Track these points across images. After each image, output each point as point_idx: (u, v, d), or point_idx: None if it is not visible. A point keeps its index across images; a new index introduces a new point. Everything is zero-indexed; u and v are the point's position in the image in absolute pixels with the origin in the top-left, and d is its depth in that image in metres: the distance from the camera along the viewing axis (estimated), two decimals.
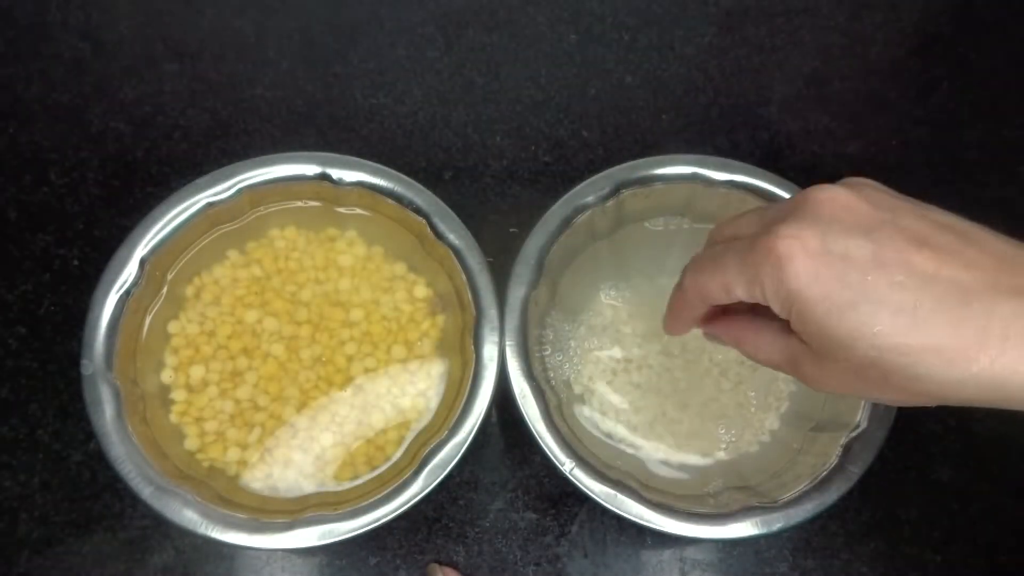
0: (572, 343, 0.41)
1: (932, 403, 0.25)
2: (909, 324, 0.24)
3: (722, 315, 0.31)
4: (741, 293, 0.27)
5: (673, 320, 0.32)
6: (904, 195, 0.27)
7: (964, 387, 0.24)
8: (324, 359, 0.39)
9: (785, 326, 0.27)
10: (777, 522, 0.34)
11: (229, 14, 0.53)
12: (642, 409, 0.39)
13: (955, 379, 0.24)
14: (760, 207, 0.31)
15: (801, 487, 0.35)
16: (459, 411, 0.36)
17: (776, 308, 0.26)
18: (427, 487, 0.34)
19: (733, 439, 0.39)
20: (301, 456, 0.37)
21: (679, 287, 0.30)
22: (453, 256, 0.38)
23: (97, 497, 0.40)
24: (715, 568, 0.40)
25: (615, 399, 0.39)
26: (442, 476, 0.34)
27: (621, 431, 0.39)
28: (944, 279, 0.24)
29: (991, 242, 0.26)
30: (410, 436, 0.38)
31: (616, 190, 0.40)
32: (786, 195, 0.40)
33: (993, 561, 0.41)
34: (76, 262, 0.45)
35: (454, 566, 0.40)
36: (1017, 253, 0.25)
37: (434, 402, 0.38)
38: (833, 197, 0.26)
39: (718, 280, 0.28)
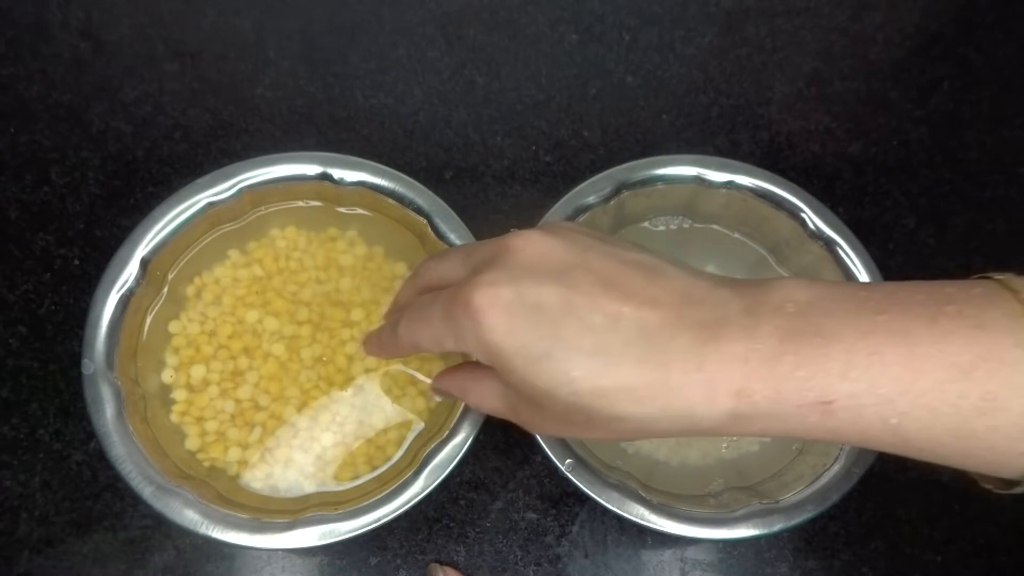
0: None
1: (645, 438, 0.26)
2: (601, 367, 0.24)
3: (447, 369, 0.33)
4: (451, 346, 0.27)
5: (379, 351, 0.33)
6: (601, 234, 0.28)
7: (659, 422, 0.24)
8: (325, 359, 0.39)
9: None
10: (777, 522, 0.34)
11: (229, 14, 0.53)
12: None
13: (649, 416, 0.24)
14: (466, 245, 0.32)
15: (802, 487, 0.35)
16: (459, 411, 0.36)
17: (482, 360, 0.27)
18: (428, 487, 0.34)
19: (734, 439, 0.39)
20: (301, 456, 0.37)
21: (393, 330, 0.30)
22: None
23: (98, 497, 0.40)
24: (716, 568, 0.40)
25: None
26: (442, 476, 0.34)
27: None
28: (629, 318, 0.24)
29: (677, 277, 0.26)
30: (410, 436, 0.38)
31: (617, 190, 0.40)
32: (786, 195, 0.40)
33: (993, 561, 0.41)
34: (77, 262, 0.45)
35: (455, 566, 0.40)
36: (700, 287, 0.26)
37: (435, 402, 0.38)
38: (527, 243, 0.26)
39: (427, 333, 0.28)
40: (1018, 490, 0.24)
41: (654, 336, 0.24)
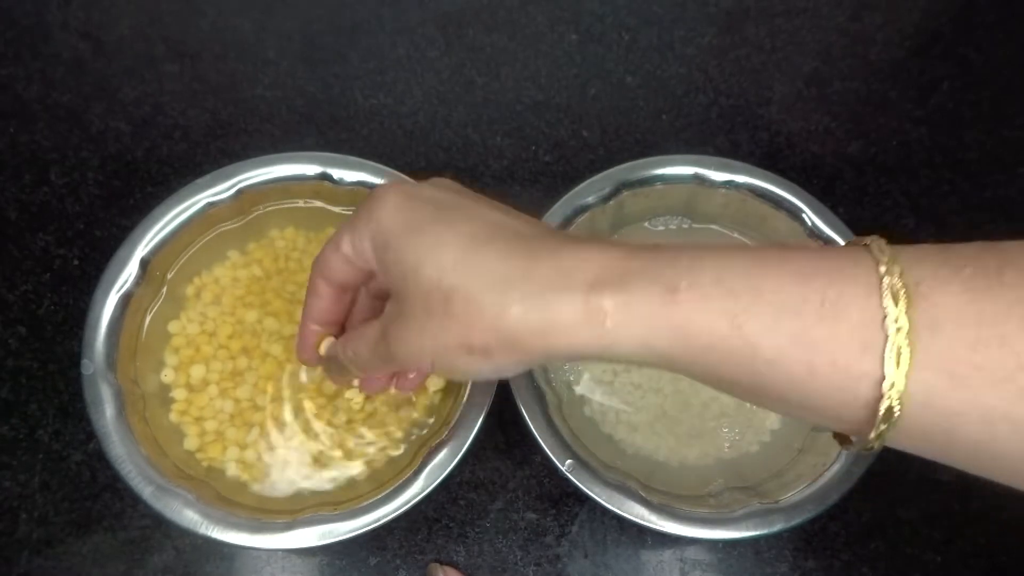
0: None
1: (499, 346, 0.25)
2: (471, 247, 0.25)
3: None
4: (349, 249, 0.29)
5: (301, 343, 0.33)
6: None
7: (515, 316, 0.24)
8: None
9: (379, 308, 0.30)
10: (777, 522, 0.34)
11: (229, 14, 0.53)
12: (642, 409, 0.39)
13: (507, 303, 0.24)
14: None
15: (802, 487, 0.35)
16: (459, 411, 0.36)
17: (368, 251, 0.28)
18: (427, 487, 0.34)
19: (734, 439, 0.39)
20: (300, 456, 0.37)
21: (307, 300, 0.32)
22: None
23: (97, 497, 0.40)
24: (715, 568, 0.40)
25: (615, 399, 0.39)
26: (442, 476, 0.34)
27: (621, 431, 0.39)
28: (506, 223, 0.27)
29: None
30: (410, 436, 0.38)
31: (616, 190, 0.40)
32: (786, 195, 0.40)
33: (993, 561, 0.41)
34: (76, 262, 0.45)
35: (454, 566, 0.40)
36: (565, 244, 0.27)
37: (434, 402, 0.38)
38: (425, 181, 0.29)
39: (330, 249, 0.29)
40: (865, 442, 0.23)
41: (527, 238, 0.26)
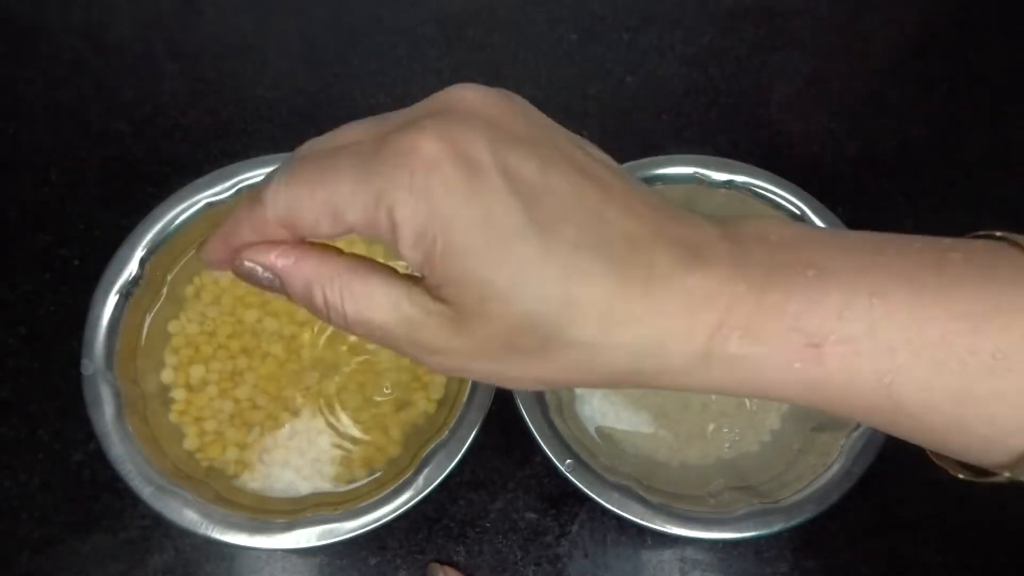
0: None
1: (586, 383, 0.21)
2: (584, 268, 0.19)
3: (298, 248, 0.21)
4: (354, 218, 0.19)
5: (217, 246, 0.22)
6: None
7: (618, 356, 0.20)
8: (324, 359, 0.39)
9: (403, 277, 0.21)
10: (777, 522, 0.34)
11: (229, 14, 0.53)
12: (642, 409, 0.39)
13: (614, 344, 0.20)
14: (377, 117, 0.21)
15: (801, 487, 0.35)
16: (459, 411, 0.36)
17: (405, 241, 0.19)
18: (427, 487, 0.34)
19: (734, 439, 0.39)
20: (300, 456, 0.37)
21: (251, 203, 0.21)
22: None
23: (97, 497, 0.40)
24: (715, 568, 0.40)
25: (615, 399, 0.39)
26: (442, 476, 0.34)
27: (621, 431, 0.39)
28: (613, 220, 0.20)
29: (647, 189, 0.22)
30: (410, 436, 0.38)
31: None
32: (786, 195, 0.40)
33: (993, 561, 0.41)
34: (76, 262, 0.45)
35: (454, 565, 0.40)
36: (672, 203, 0.21)
37: (434, 402, 0.38)
38: (484, 98, 0.20)
39: (321, 197, 0.19)
40: (992, 479, 0.21)
41: (638, 246, 0.19)
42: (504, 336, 0.20)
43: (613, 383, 0.21)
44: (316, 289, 0.21)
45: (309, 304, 0.21)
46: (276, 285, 0.22)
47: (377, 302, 0.21)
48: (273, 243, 0.21)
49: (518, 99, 0.22)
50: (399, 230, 0.19)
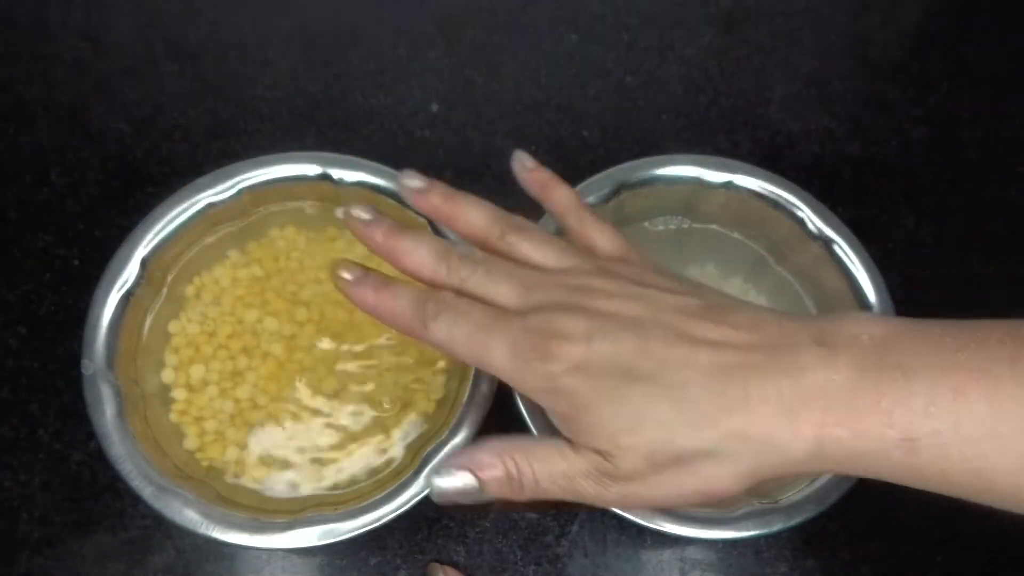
0: None
1: (736, 487, 0.25)
2: (691, 423, 0.24)
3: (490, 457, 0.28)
4: (504, 379, 0.27)
5: (368, 303, 0.29)
6: (653, 261, 0.29)
7: (746, 467, 0.24)
8: (324, 359, 0.39)
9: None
10: (777, 522, 0.34)
11: (229, 14, 0.53)
12: None
13: (728, 448, 0.24)
14: (546, 235, 0.30)
15: (801, 487, 0.35)
16: (459, 411, 0.36)
17: (544, 402, 0.26)
18: (427, 487, 0.34)
19: None
20: (300, 456, 0.37)
21: (400, 299, 0.28)
22: None
23: (97, 497, 0.40)
24: (715, 568, 0.40)
25: None
26: None
27: None
28: (705, 363, 0.24)
29: (739, 309, 0.26)
30: (410, 436, 0.38)
31: (616, 190, 0.40)
32: (786, 195, 0.40)
33: (993, 561, 0.41)
34: (77, 262, 0.45)
35: (455, 565, 0.40)
36: (765, 316, 0.26)
37: (434, 402, 0.38)
38: (602, 288, 0.26)
39: (478, 353, 0.26)
40: None
41: (734, 376, 0.24)
42: (643, 460, 0.24)
43: (753, 477, 0.24)
44: (509, 466, 0.27)
45: (504, 484, 0.27)
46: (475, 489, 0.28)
47: (550, 458, 0.26)
48: (470, 463, 0.27)
49: (627, 265, 0.28)
50: (539, 402, 0.26)
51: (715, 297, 0.27)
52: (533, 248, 0.29)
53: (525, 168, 0.33)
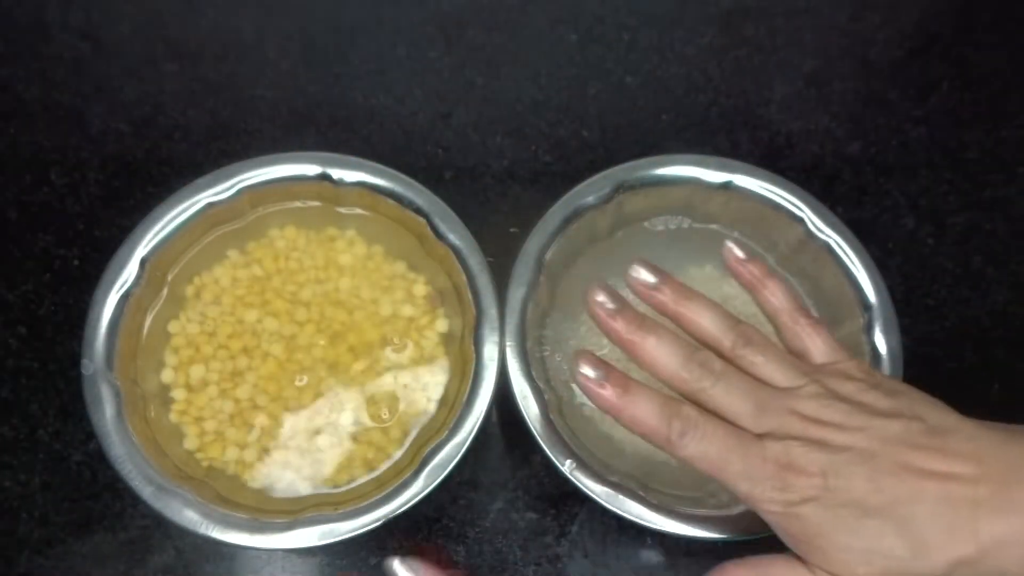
0: (572, 343, 0.41)
1: None
2: (922, 552, 0.26)
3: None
4: (739, 499, 0.28)
5: (605, 402, 0.30)
6: (869, 384, 0.29)
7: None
8: (324, 359, 0.39)
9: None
10: None
11: (229, 14, 0.53)
12: None
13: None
14: (775, 355, 0.31)
15: None
16: (459, 411, 0.36)
17: (780, 534, 0.29)
18: (427, 487, 0.34)
19: None
20: (300, 456, 0.37)
21: (639, 401, 0.29)
22: (453, 256, 0.39)
23: (97, 497, 0.40)
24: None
25: None
26: (442, 476, 0.34)
27: (621, 431, 0.39)
28: (933, 496, 0.26)
29: (957, 432, 0.28)
30: (410, 436, 0.38)
31: (616, 190, 0.40)
32: (786, 195, 0.40)
33: None
34: (77, 262, 0.45)
35: (425, 553, 0.40)
36: (985, 439, 0.27)
37: (434, 402, 0.38)
38: (831, 420, 0.28)
39: (718, 469, 0.28)
40: None
41: (961, 511, 0.26)
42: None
43: None
44: None
45: None
46: None
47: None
48: None
49: (849, 397, 0.29)
50: (774, 527, 0.29)
51: (934, 416, 0.28)
52: (764, 365, 0.30)
53: (737, 260, 0.34)
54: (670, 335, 0.30)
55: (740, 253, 0.34)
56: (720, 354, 0.31)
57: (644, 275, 0.32)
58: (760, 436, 0.28)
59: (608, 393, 0.29)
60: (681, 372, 0.30)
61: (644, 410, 0.29)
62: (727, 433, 0.28)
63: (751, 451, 0.28)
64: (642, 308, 0.32)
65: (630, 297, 0.32)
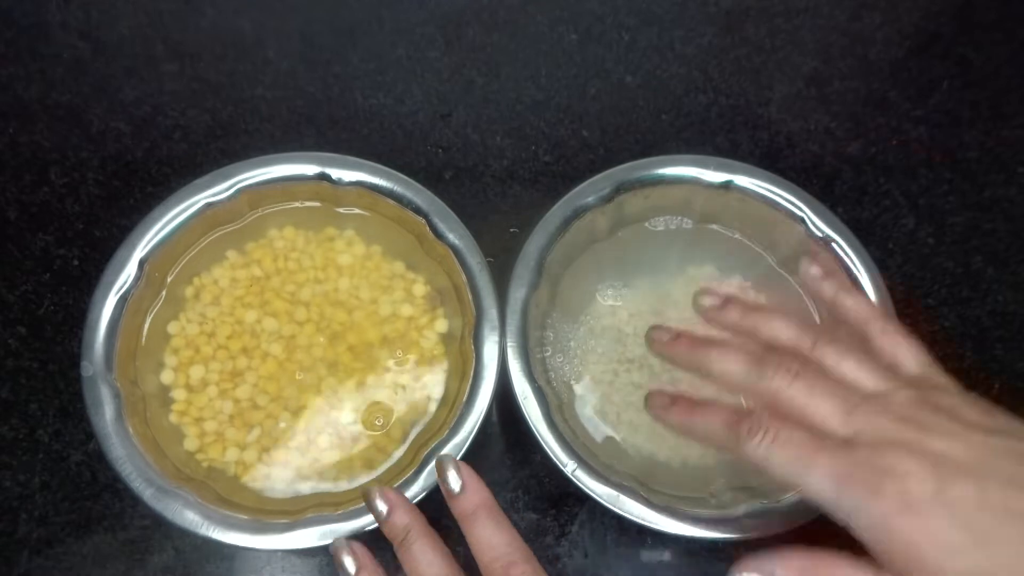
0: (572, 344, 0.41)
1: None
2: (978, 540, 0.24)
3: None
4: (821, 503, 0.26)
5: (669, 414, 0.31)
6: (980, 405, 0.27)
7: None
8: (324, 359, 0.39)
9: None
10: (777, 522, 0.34)
11: (229, 14, 0.53)
12: (642, 409, 0.39)
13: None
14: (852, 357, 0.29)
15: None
16: (459, 411, 0.36)
17: (860, 535, 0.26)
18: (427, 487, 0.34)
19: None
20: (300, 456, 0.37)
21: (711, 416, 0.29)
22: (453, 256, 0.39)
23: (97, 497, 0.40)
24: (715, 568, 0.40)
25: (616, 399, 0.39)
26: None
27: (622, 431, 0.39)
28: (993, 506, 0.24)
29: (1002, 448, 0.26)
30: (410, 436, 0.38)
31: (616, 190, 0.40)
32: (785, 195, 0.40)
33: None
34: (76, 262, 0.45)
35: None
36: None
37: (434, 402, 0.38)
38: (927, 423, 0.26)
39: (797, 474, 0.26)
40: None
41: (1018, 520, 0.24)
42: None
43: None
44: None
45: None
46: None
47: None
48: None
49: (953, 405, 0.27)
50: (857, 531, 0.26)
51: (995, 420, 0.27)
52: (853, 365, 0.28)
53: (813, 277, 0.34)
54: (732, 345, 0.30)
55: (814, 271, 0.33)
56: (800, 356, 0.29)
57: (708, 300, 0.32)
58: (847, 440, 0.26)
59: (675, 414, 0.30)
60: (750, 375, 0.29)
61: (712, 421, 0.29)
62: (806, 436, 0.27)
63: (837, 455, 0.26)
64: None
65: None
